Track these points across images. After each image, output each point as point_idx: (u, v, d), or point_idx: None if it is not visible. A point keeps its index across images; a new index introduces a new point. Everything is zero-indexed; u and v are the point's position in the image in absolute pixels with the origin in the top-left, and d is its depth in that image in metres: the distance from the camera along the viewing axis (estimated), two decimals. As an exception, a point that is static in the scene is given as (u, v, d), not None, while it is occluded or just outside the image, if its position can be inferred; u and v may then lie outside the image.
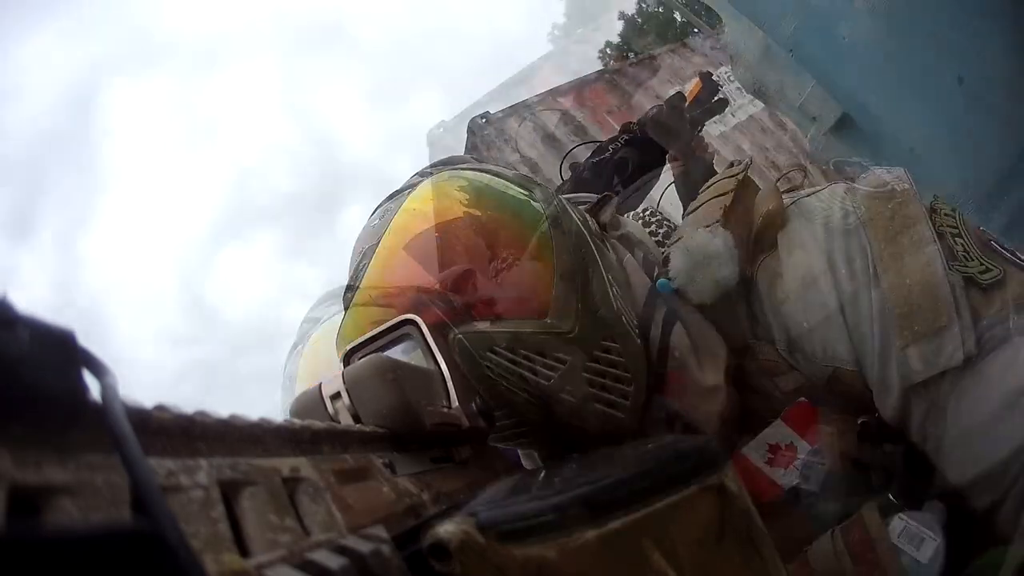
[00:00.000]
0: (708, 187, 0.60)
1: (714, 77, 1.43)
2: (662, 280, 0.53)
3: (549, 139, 3.94)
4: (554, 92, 4.20)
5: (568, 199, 0.57)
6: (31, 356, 0.16)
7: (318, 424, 0.30)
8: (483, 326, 0.48)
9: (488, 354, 0.48)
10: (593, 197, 0.64)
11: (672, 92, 1.45)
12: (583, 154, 1.49)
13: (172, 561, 0.16)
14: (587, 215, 0.57)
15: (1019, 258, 0.48)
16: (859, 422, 0.48)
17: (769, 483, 0.50)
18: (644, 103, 4.22)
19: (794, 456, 0.50)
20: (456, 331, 0.49)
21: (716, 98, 1.39)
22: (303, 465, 0.26)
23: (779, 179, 0.60)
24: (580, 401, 0.49)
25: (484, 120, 3.91)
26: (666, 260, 0.54)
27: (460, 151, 3.79)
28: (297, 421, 0.29)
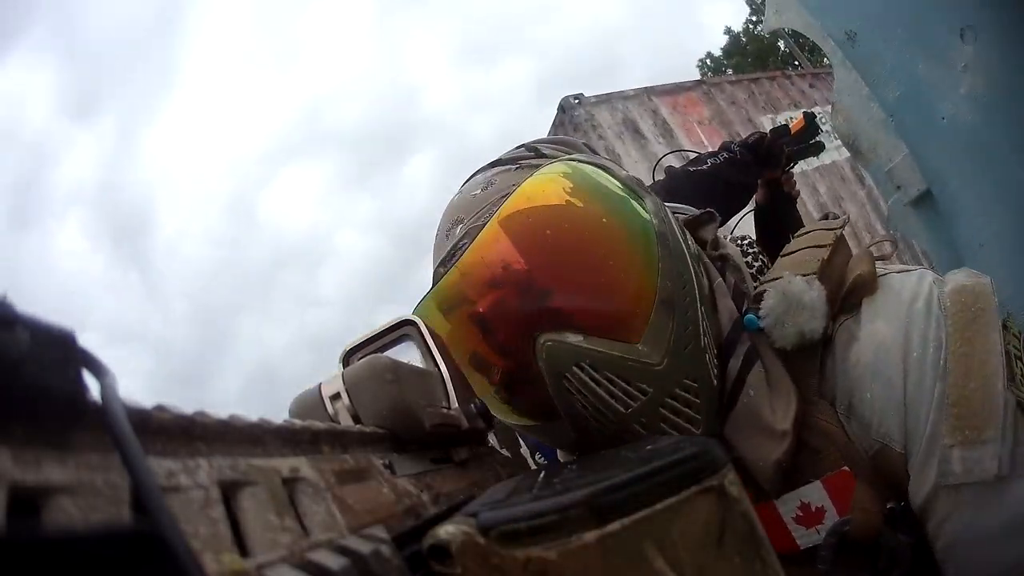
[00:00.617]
0: (804, 234, 0.60)
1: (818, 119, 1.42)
2: (751, 316, 0.52)
3: (636, 134, 3.88)
4: (649, 91, 4.15)
5: (669, 208, 0.56)
6: (31, 356, 0.16)
7: (318, 424, 0.30)
8: (575, 339, 0.48)
9: (574, 368, 0.48)
10: (689, 209, 0.63)
11: (764, 119, 1.44)
12: (669, 161, 1.48)
13: (172, 561, 0.16)
14: (686, 230, 0.57)
15: None
16: (887, 507, 0.48)
17: (788, 538, 0.50)
18: (735, 121, 4.20)
19: (821, 519, 0.49)
20: (546, 337, 0.48)
21: (814, 140, 1.38)
22: (303, 465, 0.26)
23: (871, 245, 0.60)
24: (649, 432, 0.49)
25: (577, 101, 3.80)
26: (758, 297, 0.53)
27: (586, 127, 3.71)
28: (297, 421, 0.29)
